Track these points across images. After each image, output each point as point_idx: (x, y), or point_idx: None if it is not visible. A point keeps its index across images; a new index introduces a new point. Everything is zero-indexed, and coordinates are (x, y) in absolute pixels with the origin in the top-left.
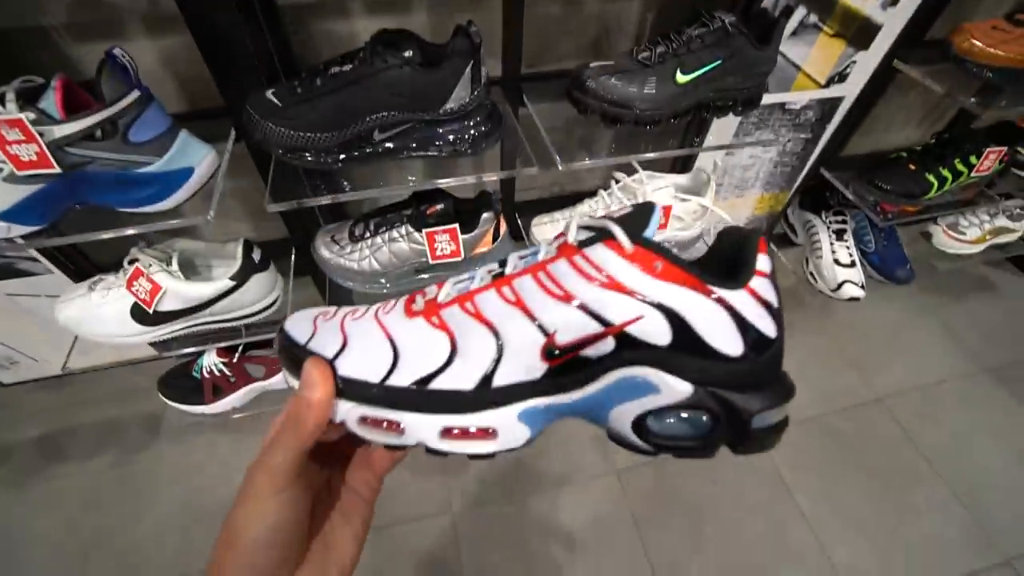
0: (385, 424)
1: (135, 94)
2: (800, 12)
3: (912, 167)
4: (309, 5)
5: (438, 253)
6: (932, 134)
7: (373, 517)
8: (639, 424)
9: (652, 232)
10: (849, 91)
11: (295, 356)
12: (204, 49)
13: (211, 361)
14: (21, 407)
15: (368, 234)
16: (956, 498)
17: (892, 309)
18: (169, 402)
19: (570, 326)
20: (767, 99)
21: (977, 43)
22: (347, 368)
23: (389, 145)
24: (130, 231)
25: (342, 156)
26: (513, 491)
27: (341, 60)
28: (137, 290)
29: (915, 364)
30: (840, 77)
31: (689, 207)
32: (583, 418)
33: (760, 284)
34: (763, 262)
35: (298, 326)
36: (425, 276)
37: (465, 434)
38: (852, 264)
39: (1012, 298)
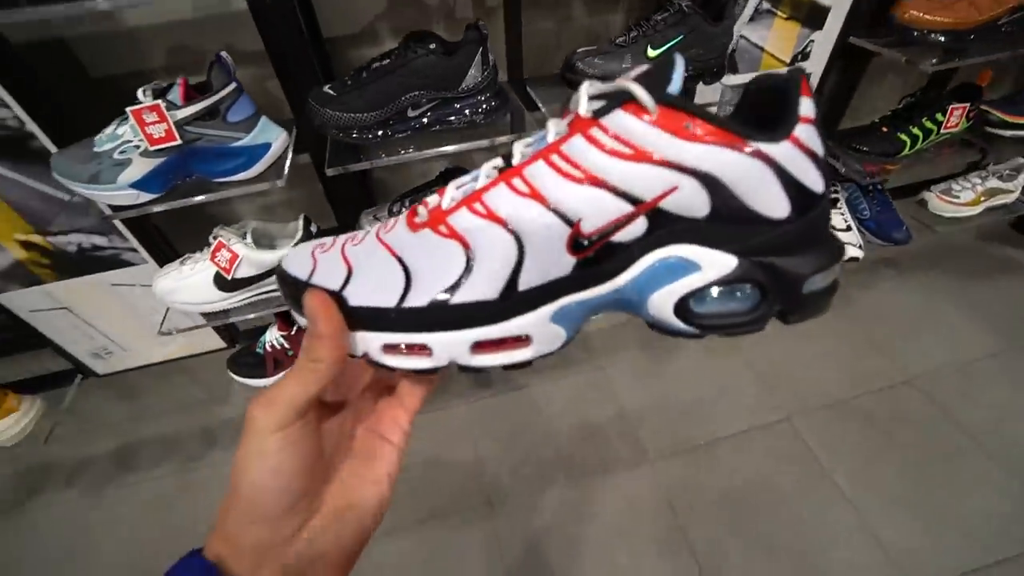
0: (411, 348)
1: (233, 85)
2: None
3: (884, 130)
4: (345, 36)
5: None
6: (900, 99)
7: (399, 469)
8: (681, 307)
9: (677, 88)
10: (814, 68)
11: (298, 294)
12: (277, 65)
13: (272, 336)
14: (99, 419)
15: (403, 209)
16: (1006, 472)
17: (916, 292)
18: (236, 377)
19: (597, 210)
20: (737, 80)
21: (915, 13)
22: (358, 297)
23: (420, 121)
24: (225, 194)
25: (380, 132)
26: (550, 482)
27: (381, 57)
28: (219, 260)
29: (945, 344)
30: (803, 56)
31: None
32: (620, 310)
33: (805, 132)
34: (807, 106)
35: (296, 262)
36: None
37: (498, 345)
38: (848, 229)
39: None
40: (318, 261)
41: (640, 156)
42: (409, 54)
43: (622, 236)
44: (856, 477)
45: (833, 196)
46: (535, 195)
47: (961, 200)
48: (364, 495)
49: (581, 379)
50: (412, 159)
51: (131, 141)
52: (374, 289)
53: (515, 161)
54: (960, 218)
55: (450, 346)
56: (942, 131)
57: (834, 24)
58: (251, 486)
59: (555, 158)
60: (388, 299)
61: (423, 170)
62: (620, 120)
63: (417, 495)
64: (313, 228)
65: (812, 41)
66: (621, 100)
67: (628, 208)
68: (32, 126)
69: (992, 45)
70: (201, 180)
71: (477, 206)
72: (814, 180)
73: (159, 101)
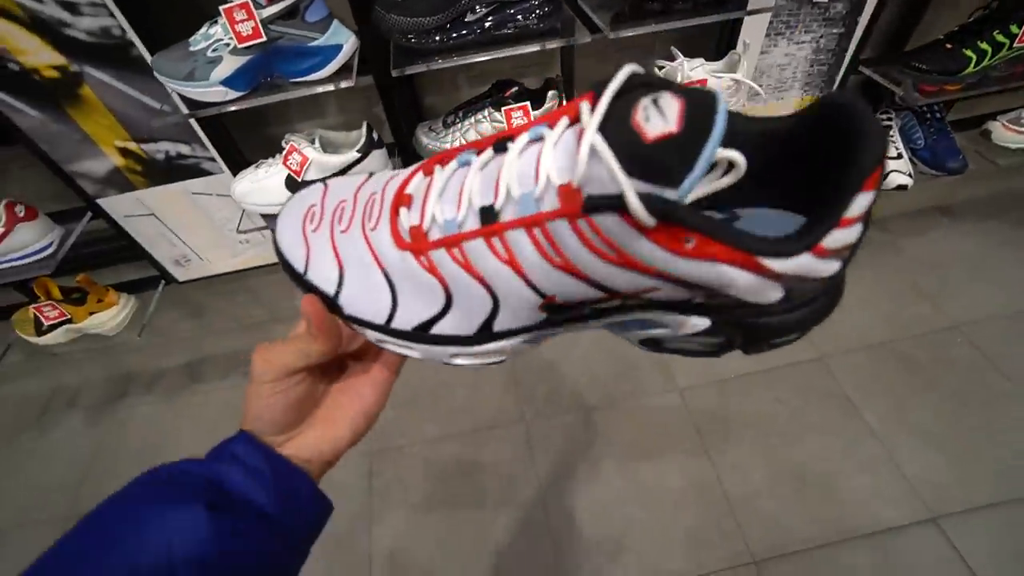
0: (398, 350)
1: None
2: None
3: (949, 46)
4: None
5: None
6: (971, 12)
7: (378, 409)
8: (647, 341)
9: (702, 168)
10: None
11: (295, 279)
12: None
13: None
14: (170, 335)
15: (458, 120)
16: None
17: (969, 240)
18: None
19: (572, 292)
20: None
21: None
22: (351, 307)
23: (479, 24)
24: (301, 92)
25: (439, 37)
26: (579, 406)
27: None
28: (291, 163)
29: (995, 293)
30: None
31: (723, 84)
32: None
33: (839, 237)
34: (860, 204)
35: (290, 238)
36: None
37: (476, 355)
38: (899, 156)
39: None
40: (311, 248)
41: (625, 262)
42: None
43: (597, 304)
44: (887, 415)
45: (886, 124)
46: (512, 264)
47: None
48: (340, 426)
49: None
50: (470, 61)
51: (222, 39)
52: (365, 306)
53: (497, 204)
54: None
55: (432, 355)
56: (1015, 45)
57: None
58: (251, 414)
59: (537, 233)
60: (377, 317)
61: (471, 94)
62: (610, 225)
63: (460, 414)
64: (375, 135)
65: None
66: (613, 205)
67: (604, 295)
68: (132, 35)
69: None
70: (280, 81)
71: (456, 252)
72: (830, 270)
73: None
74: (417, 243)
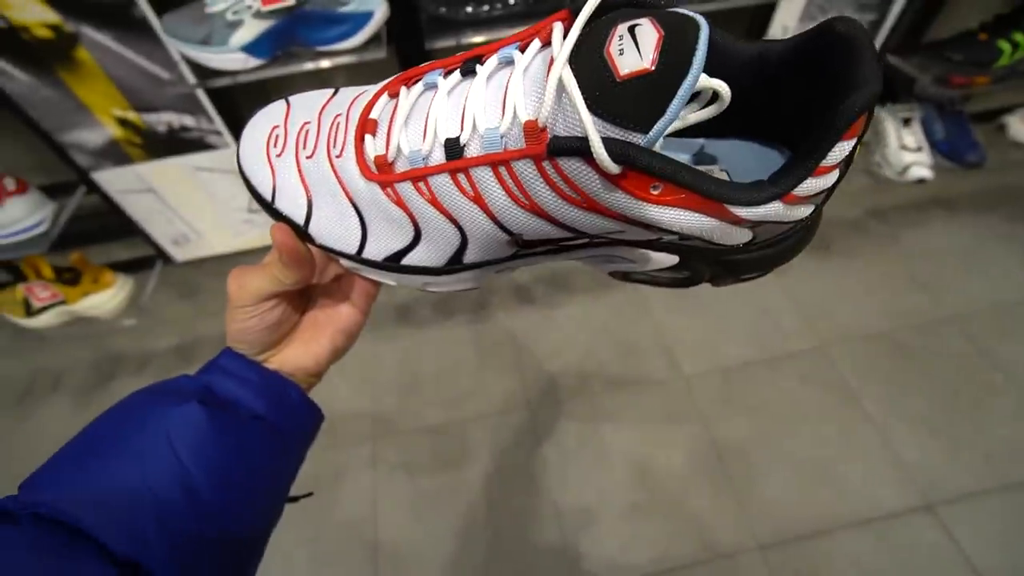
0: (372, 276)
1: None
2: None
3: (983, 37)
4: None
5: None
6: (980, 11)
7: (356, 329)
8: (616, 272)
9: (675, 111)
10: None
11: (264, 205)
12: None
13: None
14: (162, 316)
15: None
16: None
17: (967, 233)
18: None
19: (538, 232)
20: None
21: None
22: (322, 236)
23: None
24: (328, 62)
25: (469, 9)
26: (585, 391)
27: None
28: None
29: (990, 285)
30: None
31: None
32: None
33: (815, 184)
34: (839, 151)
35: (254, 164)
36: None
37: (448, 283)
38: (919, 149)
39: None
40: (276, 173)
41: (592, 206)
42: None
43: (565, 241)
44: (884, 403)
45: (907, 116)
46: (479, 202)
47: None
48: (319, 344)
49: (621, 298)
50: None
51: (244, 1)
52: (336, 236)
53: (463, 138)
54: None
55: (404, 284)
56: None
57: None
58: (231, 335)
59: (503, 172)
60: (348, 247)
61: None
62: (576, 170)
63: (463, 399)
64: None
65: None
66: (579, 150)
67: (571, 234)
68: None
69: None
70: (304, 49)
71: (423, 187)
72: (799, 216)
73: None
74: (384, 174)
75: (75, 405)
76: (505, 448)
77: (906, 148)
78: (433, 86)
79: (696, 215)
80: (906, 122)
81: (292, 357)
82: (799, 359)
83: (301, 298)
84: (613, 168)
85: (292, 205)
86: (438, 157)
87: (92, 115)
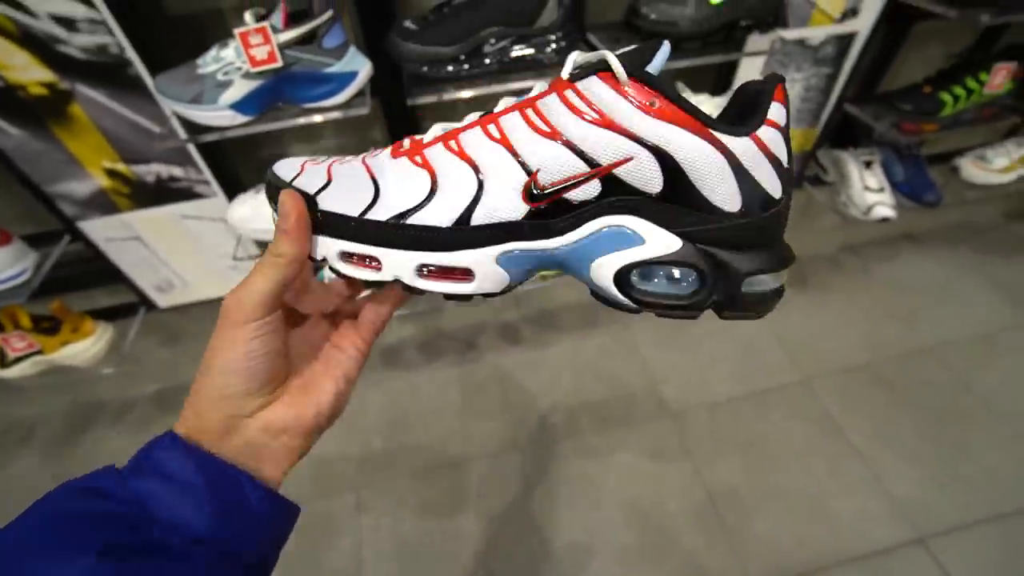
0: (364, 259)
1: (330, 12)
2: None
3: (927, 89)
4: None
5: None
6: (948, 57)
7: (357, 374)
8: (622, 277)
9: (656, 70)
10: (862, 25)
11: (278, 193)
12: (360, 3)
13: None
14: (143, 363)
15: None
16: (1012, 435)
17: (936, 267)
18: None
19: (555, 164)
20: (787, 34)
21: None
22: (328, 202)
23: (494, 56)
24: (315, 118)
25: (452, 68)
26: (574, 432)
27: None
28: None
29: (962, 316)
30: (853, 12)
31: None
32: (564, 271)
33: (769, 134)
34: (776, 111)
35: (286, 167)
36: None
37: (442, 273)
38: (881, 190)
39: None
40: (305, 170)
41: (604, 122)
42: None
43: (576, 194)
44: (869, 435)
45: (868, 159)
46: (504, 141)
47: (994, 166)
48: (322, 389)
49: (608, 338)
50: (485, 93)
51: (234, 63)
52: (344, 198)
53: (497, 109)
54: (992, 185)
55: (399, 263)
56: (984, 91)
57: None
58: (222, 368)
59: (529, 112)
60: (353, 208)
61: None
62: (593, 86)
63: (451, 441)
64: None
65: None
66: (597, 68)
67: (585, 168)
68: (131, 53)
69: None
70: (290, 106)
71: (452, 143)
72: (771, 183)
73: (265, 24)
74: (415, 148)
75: (46, 457)
76: (494, 492)
77: (869, 189)
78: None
79: (684, 132)
80: (868, 164)
81: (284, 411)
82: (785, 393)
83: (296, 338)
84: (624, 76)
85: (308, 182)
86: (473, 118)
87: (82, 167)
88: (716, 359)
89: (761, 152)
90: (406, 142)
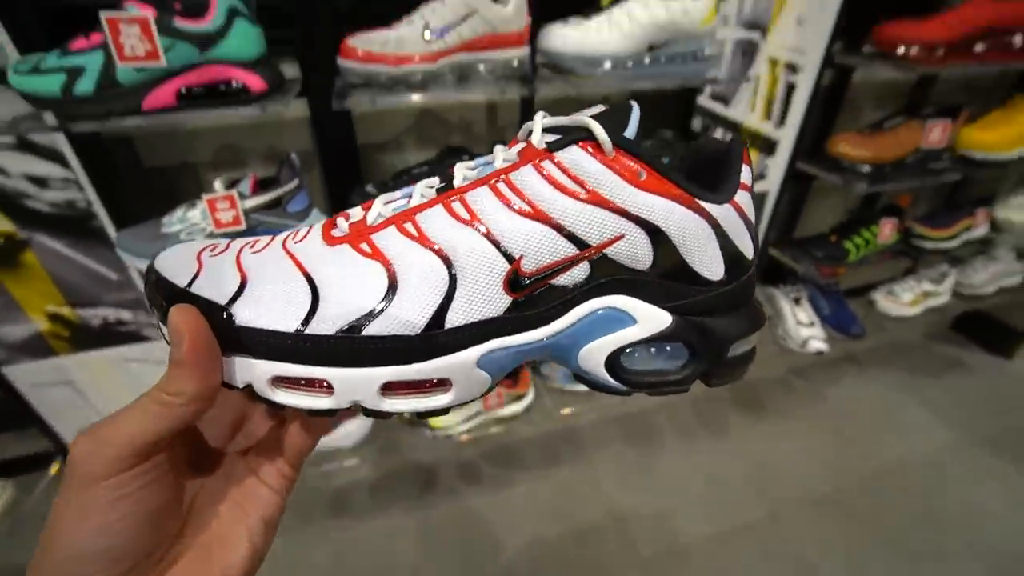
0: (308, 383)
1: (296, 181)
2: (719, 132)
3: (834, 238)
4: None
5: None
6: (846, 211)
7: (279, 515)
8: (613, 362)
9: (632, 134)
10: (770, 187)
11: (168, 304)
12: (327, 166)
13: None
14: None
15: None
16: (973, 556)
17: (875, 388)
18: None
19: (539, 248)
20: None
21: (843, 148)
22: (248, 313)
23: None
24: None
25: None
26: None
27: (419, 165)
28: None
29: (908, 439)
30: (761, 176)
31: None
32: (549, 359)
33: (744, 198)
34: (747, 174)
35: (175, 263)
36: None
37: (413, 388)
38: (812, 324)
39: (981, 372)
40: (204, 265)
41: (592, 198)
42: (446, 162)
43: (563, 279)
44: (840, 569)
45: (797, 296)
46: (474, 223)
47: (903, 300)
48: (231, 545)
49: (570, 476)
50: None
51: (199, 224)
52: (271, 307)
53: (457, 183)
54: (904, 317)
55: (357, 385)
56: (878, 241)
57: (784, 152)
58: (64, 548)
59: (501, 186)
60: (287, 321)
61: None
62: (575, 157)
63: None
64: None
65: (767, 165)
66: (577, 137)
67: (573, 251)
68: (99, 208)
69: (905, 175)
70: None
71: (408, 226)
72: (747, 245)
73: (233, 191)
74: (358, 233)
75: None
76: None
77: (801, 323)
78: (408, 196)
79: (674, 204)
80: (797, 300)
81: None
82: (755, 531)
83: (191, 476)
84: (610, 147)
85: (214, 287)
86: (429, 195)
87: (21, 311)
88: (682, 494)
89: (739, 217)
90: (341, 223)
